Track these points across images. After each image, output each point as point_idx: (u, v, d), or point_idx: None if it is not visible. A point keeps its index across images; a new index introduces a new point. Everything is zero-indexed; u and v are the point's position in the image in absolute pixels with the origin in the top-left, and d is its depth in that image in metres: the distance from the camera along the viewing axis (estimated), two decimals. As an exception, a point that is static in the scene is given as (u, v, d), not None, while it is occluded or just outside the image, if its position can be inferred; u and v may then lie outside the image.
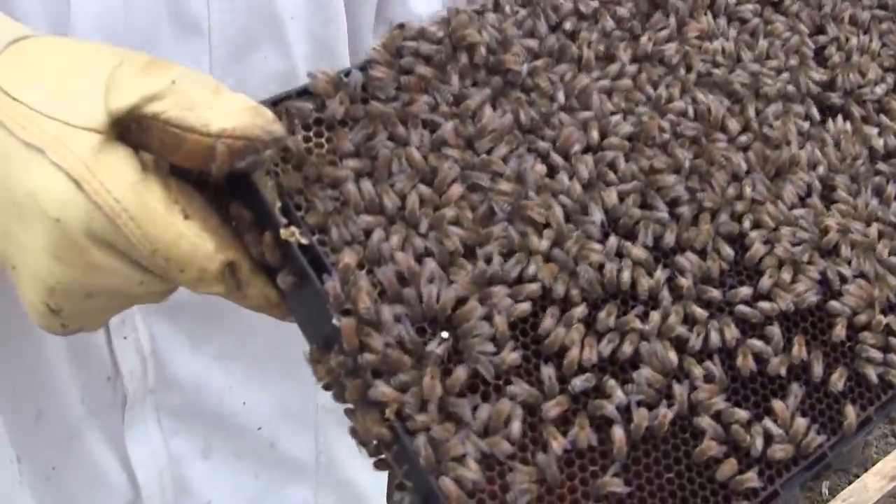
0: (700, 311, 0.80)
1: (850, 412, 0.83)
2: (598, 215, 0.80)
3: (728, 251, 0.83)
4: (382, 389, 0.68)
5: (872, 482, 2.64)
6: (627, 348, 0.76)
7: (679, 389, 0.77)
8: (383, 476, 1.39)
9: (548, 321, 0.75)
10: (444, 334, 0.71)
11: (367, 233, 0.72)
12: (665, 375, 0.77)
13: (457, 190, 0.76)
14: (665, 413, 0.75)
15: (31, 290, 0.68)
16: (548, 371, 0.73)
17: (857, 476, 2.66)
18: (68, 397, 0.99)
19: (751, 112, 0.91)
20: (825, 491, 4.41)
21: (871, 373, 0.85)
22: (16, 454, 0.99)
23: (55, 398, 0.98)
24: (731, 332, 0.80)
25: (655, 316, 0.78)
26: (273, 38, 0.95)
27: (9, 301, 0.84)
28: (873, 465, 2.68)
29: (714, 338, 0.79)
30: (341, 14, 1.01)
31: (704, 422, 0.77)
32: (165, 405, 1.07)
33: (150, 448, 1.06)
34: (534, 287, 0.75)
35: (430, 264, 0.72)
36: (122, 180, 0.64)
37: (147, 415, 1.05)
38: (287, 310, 0.76)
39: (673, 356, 0.77)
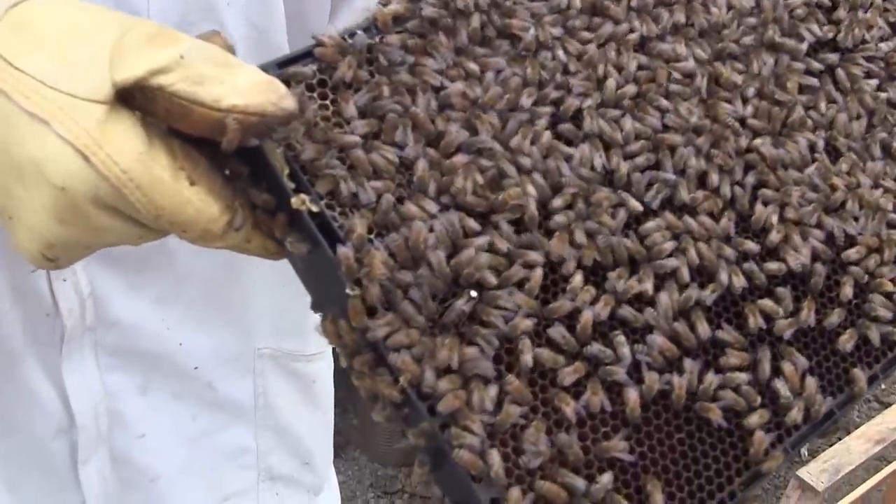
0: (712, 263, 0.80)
1: (860, 375, 0.83)
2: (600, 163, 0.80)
3: (737, 212, 0.83)
4: (403, 358, 0.68)
5: (856, 445, 2.58)
6: (636, 313, 0.77)
7: (690, 365, 0.77)
8: (322, 422, 1.40)
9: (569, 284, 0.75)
10: (473, 293, 0.71)
11: (377, 198, 0.72)
12: (677, 345, 0.77)
13: (463, 156, 0.76)
14: (681, 383, 0.76)
15: (28, 240, 0.68)
16: (560, 330, 0.73)
17: (840, 439, 2.64)
18: (10, 328, 1.01)
19: (755, 68, 0.91)
20: (805, 453, 4.45)
21: (875, 333, 0.85)
22: None
23: None
24: (740, 281, 0.80)
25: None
26: (210, 23, 0.94)
27: None
28: (856, 428, 2.62)
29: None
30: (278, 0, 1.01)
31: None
32: (103, 343, 1.09)
33: (85, 381, 1.08)
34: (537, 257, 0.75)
35: (440, 229, 0.72)
36: (129, 151, 0.64)
37: (85, 350, 1.07)
38: (288, 260, 0.76)
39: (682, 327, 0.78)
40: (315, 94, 0.75)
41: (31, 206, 0.66)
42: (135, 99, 0.65)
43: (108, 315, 1.08)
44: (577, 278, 0.76)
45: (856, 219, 0.86)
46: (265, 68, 0.70)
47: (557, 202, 0.77)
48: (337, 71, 0.75)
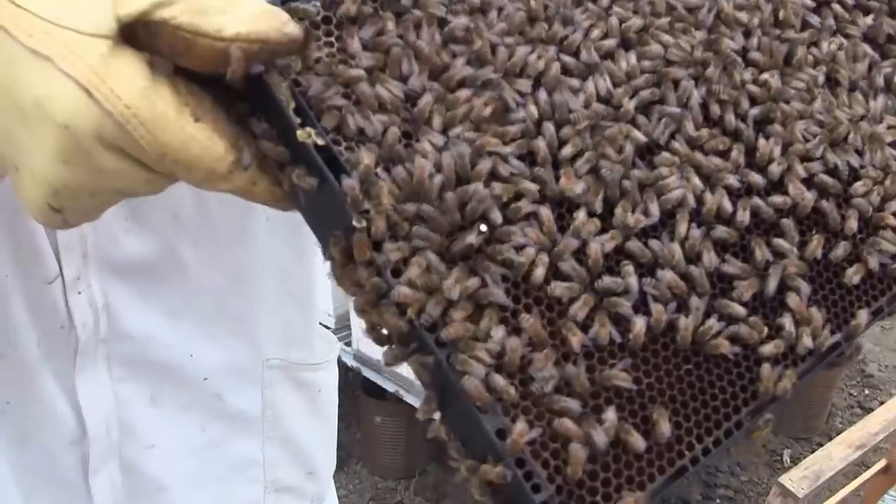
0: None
1: (862, 315, 0.83)
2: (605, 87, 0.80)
3: (742, 146, 0.83)
4: (403, 291, 0.67)
5: (837, 451, 2.59)
6: (643, 247, 0.77)
7: (696, 302, 0.77)
8: (326, 431, 1.42)
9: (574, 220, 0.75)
10: (483, 227, 0.71)
11: (383, 132, 0.72)
12: (685, 280, 0.77)
13: (467, 90, 0.76)
14: (686, 324, 0.76)
15: (33, 189, 0.68)
16: (572, 264, 0.74)
17: (821, 445, 2.66)
18: (26, 342, 1.02)
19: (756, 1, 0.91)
20: (787, 459, 4.48)
21: (875, 262, 0.85)
22: None
23: (15, 343, 1.01)
24: (746, 216, 0.80)
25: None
26: None
27: None
28: (838, 435, 2.64)
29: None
30: None
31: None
32: (116, 354, 1.09)
33: (98, 392, 1.09)
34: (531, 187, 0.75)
35: (447, 163, 0.72)
36: (133, 86, 0.63)
37: (98, 362, 1.08)
38: (294, 206, 0.75)
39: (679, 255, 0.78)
40: (320, 32, 0.74)
41: (35, 150, 0.65)
42: (138, 37, 0.65)
43: (121, 327, 1.09)
44: (581, 215, 0.76)
45: (860, 153, 0.86)
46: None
47: (565, 131, 0.77)
48: (342, 6, 0.75)
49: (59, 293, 1.02)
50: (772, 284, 0.78)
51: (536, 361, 0.70)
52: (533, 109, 0.77)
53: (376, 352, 3.87)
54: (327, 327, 2.54)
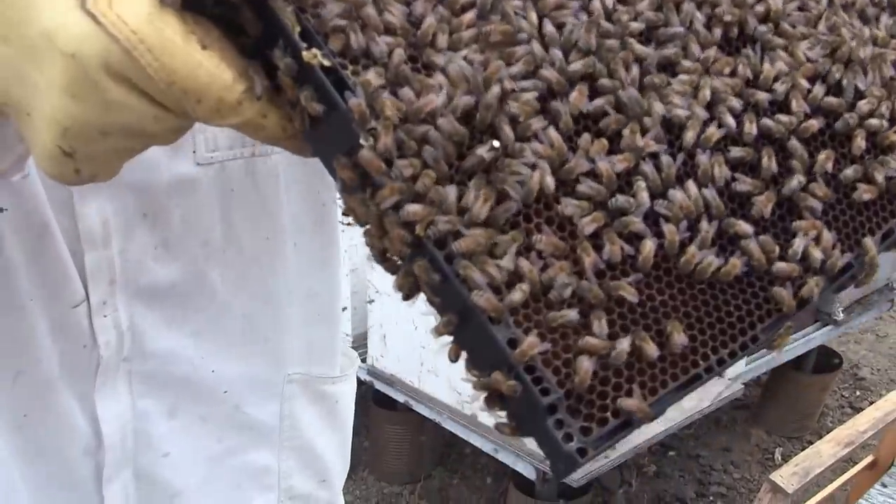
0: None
1: (869, 243, 0.83)
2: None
3: (748, 67, 0.83)
4: (412, 208, 0.67)
5: (826, 449, 2.68)
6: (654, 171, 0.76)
7: (706, 226, 0.77)
8: (344, 441, 1.43)
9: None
10: (496, 143, 0.71)
11: (389, 52, 0.71)
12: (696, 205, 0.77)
13: (472, 13, 0.75)
14: (693, 252, 0.75)
15: (44, 132, 0.67)
16: (588, 183, 0.73)
17: (811, 443, 2.71)
18: (48, 360, 1.02)
19: None
20: (779, 457, 4.55)
21: (882, 177, 0.84)
22: None
23: (35, 362, 1.01)
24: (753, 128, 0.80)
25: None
26: None
27: None
28: (829, 433, 2.73)
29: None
30: None
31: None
32: (137, 371, 1.10)
33: (117, 406, 1.09)
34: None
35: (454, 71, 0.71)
36: (139, 11, 0.63)
37: (118, 379, 1.08)
38: (305, 142, 0.74)
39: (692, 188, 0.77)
40: None
41: (45, 88, 0.65)
42: None
43: (144, 347, 1.09)
44: (585, 136, 0.75)
45: (865, 72, 0.86)
46: None
47: (573, 56, 0.77)
48: None
49: (84, 316, 1.02)
50: (792, 185, 0.78)
51: (551, 272, 0.69)
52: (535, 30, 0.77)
53: (388, 366, 4.04)
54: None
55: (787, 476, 2.55)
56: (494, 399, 0.68)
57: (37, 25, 0.63)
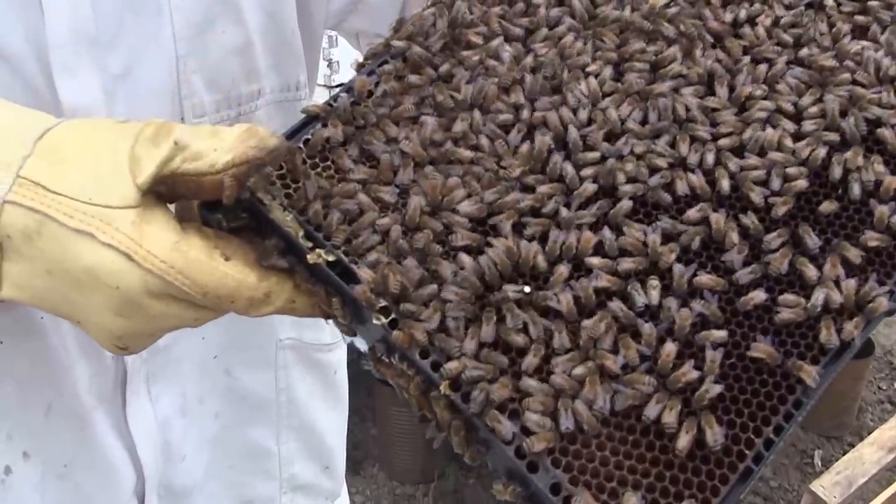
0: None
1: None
2: None
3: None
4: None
5: (868, 453, 2.52)
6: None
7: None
8: (340, 415, 1.46)
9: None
10: (527, 288, 0.79)
11: (385, 232, 0.80)
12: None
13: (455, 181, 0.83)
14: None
15: (98, 336, 0.78)
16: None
17: (852, 445, 2.59)
18: (76, 387, 1.07)
19: None
20: (818, 462, 4.36)
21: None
22: (23, 451, 1.08)
23: (64, 389, 1.06)
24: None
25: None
26: (229, 13, 1.03)
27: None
28: (869, 433, 2.59)
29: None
30: None
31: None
32: (153, 373, 1.15)
33: (146, 422, 1.15)
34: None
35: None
36: (164, 242, 0.74)
37: (140, 388, 1.14)
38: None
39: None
40: (317, 160, 0.85)
41: (94, 309, 0.75)
42: (164, 189, 0.76)
43: None
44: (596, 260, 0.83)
45: None
46: None
47: None
48: (325, 130, 0.85)
49: None
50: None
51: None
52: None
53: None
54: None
55: (828, 486, 2.39)
56: None
57: (78, 262, 0.73)
